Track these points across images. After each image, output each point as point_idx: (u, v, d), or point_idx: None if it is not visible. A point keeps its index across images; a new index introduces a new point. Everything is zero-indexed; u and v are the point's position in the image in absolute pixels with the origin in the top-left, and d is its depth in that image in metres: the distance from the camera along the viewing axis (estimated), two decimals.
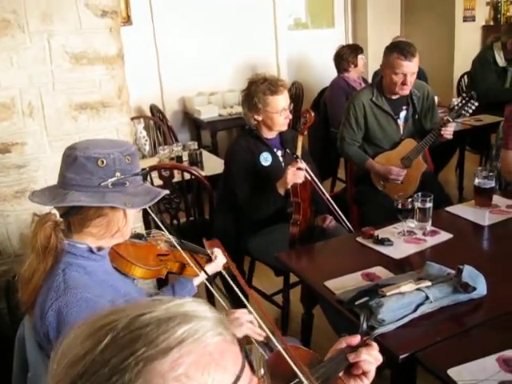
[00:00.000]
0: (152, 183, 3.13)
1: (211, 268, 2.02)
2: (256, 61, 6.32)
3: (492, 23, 7.10)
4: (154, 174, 3.17)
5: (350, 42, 6.95)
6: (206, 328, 0.68)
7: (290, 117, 2.90)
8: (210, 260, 2.03)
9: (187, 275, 1.88)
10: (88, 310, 1.33)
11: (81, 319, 1.32)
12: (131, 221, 1.54)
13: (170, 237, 1.81)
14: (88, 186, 1.41)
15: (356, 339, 1.30)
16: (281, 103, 2.81)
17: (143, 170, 1.54)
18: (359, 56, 4.78)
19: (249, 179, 2.82)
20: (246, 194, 2.81)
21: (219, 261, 2.01)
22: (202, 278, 2.01)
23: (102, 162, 1.41)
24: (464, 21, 6.72)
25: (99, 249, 1.52)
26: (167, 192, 1.56)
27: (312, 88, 6.13)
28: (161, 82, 5.84)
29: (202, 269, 1.82)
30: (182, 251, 1.77)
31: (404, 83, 3.15)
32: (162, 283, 2.42)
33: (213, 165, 3.74)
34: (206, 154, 4.05)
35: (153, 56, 5.73)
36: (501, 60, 5.12)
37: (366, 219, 3.45)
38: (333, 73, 5.03)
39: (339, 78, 4.83)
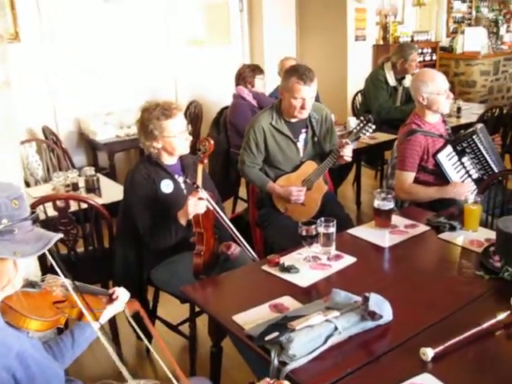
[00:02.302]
0: (46, 215, 2.96)
1: (113, 308, 1.92)
2: (153, 79, 6.22)
3: (382, 42, 7.48)
4: (49, 205, 3.00)
5: (248, 59, 7.00)
6: None
7: (191, 138, 2.84)
8: (111, 300, 1.93)
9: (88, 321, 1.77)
10: None
11: None
12: (22, 270, 1.42)
13: (66, 281, 1.69)
14: None
15: None
16: (177, 126, 2.75)
17: (33, 212, 1.43)
18: (257, 76, 4.82)
19: (150, 208, 2.73)
20: (147, 223, 2.72)
21: (122, 300, 1.93)
22: (105, 318, 1.91)
23: None
24: (356, 40, 6.98)
25: None
26: (61, 236, 1.44)
27: (211, 107, 6.10)
28: (53, 103, 5.59)
29: (95, 317, 1.72)
30: (76, 298, 1.65)
31: (303, 107, 3.18)
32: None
33: (111, 191, 3.59)
34: (103, 179, 3.89)
35: (43, 75, 5.47)
36: (391, 79, 5.36)
37: (269, 242, 3.45)
38: (232, 91, 5.00)
39: (236, 94, 4.83)
